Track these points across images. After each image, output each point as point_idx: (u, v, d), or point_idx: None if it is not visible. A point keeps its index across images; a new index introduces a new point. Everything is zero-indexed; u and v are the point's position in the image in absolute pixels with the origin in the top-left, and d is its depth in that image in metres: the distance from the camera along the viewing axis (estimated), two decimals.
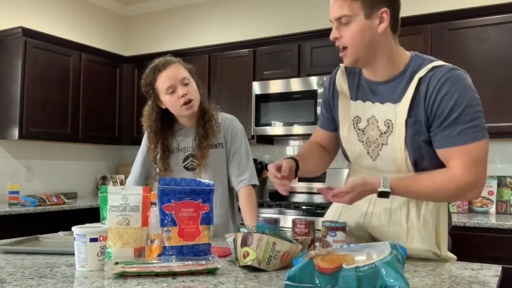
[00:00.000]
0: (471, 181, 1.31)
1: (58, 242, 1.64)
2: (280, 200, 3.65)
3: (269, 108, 3.71)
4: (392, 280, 0.89)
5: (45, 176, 4.21)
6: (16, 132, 3.62)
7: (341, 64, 1.56)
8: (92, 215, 3.55)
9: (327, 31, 1.43)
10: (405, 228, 1.42)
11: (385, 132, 1.41)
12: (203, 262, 1.22)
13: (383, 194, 1.33)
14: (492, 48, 3.00)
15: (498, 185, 3.16)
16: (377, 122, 1.43)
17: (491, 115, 2.91)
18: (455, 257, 1.44)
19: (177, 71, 1.90)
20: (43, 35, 3.82)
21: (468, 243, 2.63)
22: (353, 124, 1.50)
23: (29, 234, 2.01)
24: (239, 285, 1.09)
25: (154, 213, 1.42)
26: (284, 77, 3.69)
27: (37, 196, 3.53)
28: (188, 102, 1.88)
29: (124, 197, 1.40)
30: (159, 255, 1.36)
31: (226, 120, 2.03)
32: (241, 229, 1.34)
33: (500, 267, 1.31)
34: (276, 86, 3.68)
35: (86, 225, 1.30)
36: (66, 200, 3.80)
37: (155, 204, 1.41)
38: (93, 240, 1.20)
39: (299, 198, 3.83)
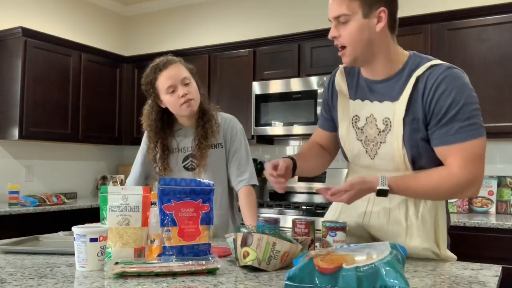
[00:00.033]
0: (469, 179, 1.32)
1: (58, 242, 1.64)
2: (280, 200, 3.65)
3: (269, 108, 3.71)
4: (392, 280, 0.89)
5: (45, 176, 4.21)
6: (16, 132, 3.63)
7: (340, 65, 1.58)
8: (92, 215, 3.55)
9: (327, 31, 1.44)
10: (404, 227, 1.42)
11: (383, 130, 1.42)
12: (203, 262, 1.22)
13: (381, 193, 1.33)
14: (492, 48, 3.00)
15: (498, 185, 3.16)
16: (376, 120, 1.44)
17: (491, 115, 2.92)
18: (455, 256, 1.45)
19: (178, 70, 1.90)
20: (43, 35, 3.82)
21: (468, 243, 2.63)
22: (352, 123, 1.51)
23: (29, 234, 2.01)
24: (239, 285, 1.09)
25: (154, 213, 1.42)
26: (284, 77, 3.69)
27: (37, 196, 3.53)
28: (188, 102, 1.88)
29: (124, 197, 1.40)
30: (159, 255, 1.36)
31: (225, 120, 2.03)
32: (241, 229, 1.34)
33: (500, 267, 1.31)
34: (276, 86, 3.68)
35: (86, 225, 1.30)
36: (66, 200, 3.80)
37: (155, 204, 1.41)
38: (93, 240, 1.20)
39: (299, 198, 3.83)
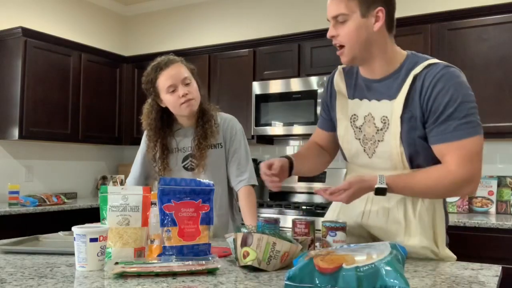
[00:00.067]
0: (467, 176, 1.33)
1: (58, 242, 1.64)
2: (280, 200, 3.65)
3: (269, 108, 3.71)
4: (392, 280, 0.89)
5: (45, 176, 4.21)
6: (16, 132, 3.63)
7: (339, 66, 1.60)
8: (92, 215, 3.55)
9: (327, 31, 1.45)
10: (403, 226, 1.43)
11: (381, 129, 1.43)
12: (203, 262, 1.22)
13: (380, 191, 1.34)
14: (492, 48, 3.00)
15: (498, 185, 3.16)
16: (374, 119, 1.45)
17: (491, 115, 2.92)
18: (454, 256, 1.45)
19: (179, 70, 1.90)
20: (43, 35, 3.82)
21: (468, 243, 2.63)
22: (351, 122, 1.52)
23: (29, 234, 2.01)
24: (239, 285, 1.09)
25: (154, 213, 1.42)
26: (284, 77, 3.69)
27: (37, 196, 3.53)
28: (187, 102, 1.88)
29: (124, 197, 1.40)
30: (159, 255, 1.36)
31: (225, 120, 2.03)
32: (241, 229, 1.34)
33: (500, 267, 1.31)
34: (276, 86, 3.68)
35: (86, 225, 1.30)
36: (66, 200, 3.80)
37: (155, 204, 1.41)
38: (93, 240, 1.20)
39: (299, 198, 3.83)
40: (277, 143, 4.12)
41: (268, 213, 3.34)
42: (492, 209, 3.13)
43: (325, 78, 3.39)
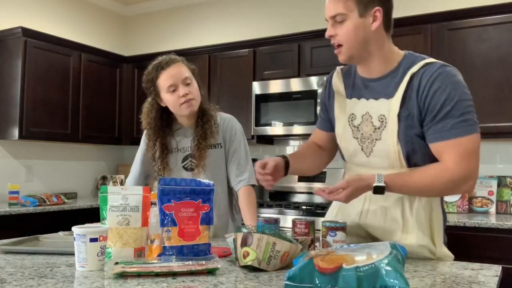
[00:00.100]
0: (464, 174, 1.34)
1: (58, 242, 1.64)
2: (280, 200, 3.66)
3: (269, 108, 3.71)
4: (392, 280, 0.89)
5: (45, 176, 4.21)
6: (16, 132, 3.63)
7: (337, 67, 1.62)
8: (92, 215, 3.55)
9: None
10: (401, 224, 1.44)
11: (378, 128, 1.44)
12: (203, 262, 1.22)
13: (378, 190, 1.35)
14: (492, 48, 3.00)
15: (498, 185, 3.16)
16: (371, 118, 1.46)
17: (491, 115, 2.92)
18: (452, 255, 1.46)
19: (180, 70, 1.90)
20: (43, 35, 3.82)
21: (468, 243, 2.63)
22: (349, 121, 1.53)
23: (29, 234, 2.01)
24: (239, 285, 1.09)
25: (154, 213, 1.42)
26: (284, 77, 3.69)
27: (37, 196, 3.53)
28: (188, 102, 1.88)
29: (124, 197, 1.40)
30: (159, 255, 1.36)
31: (225, 120, 2.03)
32: (241, 229, 1.34)
33: (500, 267, 1.31)
34: (276, 86, 3.68)
35: (86, 225, 1.30)
36: (66, 200, 3.80)
37: (155, 204, 1.41)
38: (93, 240, 1.20)
39: (299, 198, 3.83)
40: (277, 143, 4.12)
41: (268, 213, 3.34)
42: (492, 209, 3.13)
43: (325, 78, 3.38)
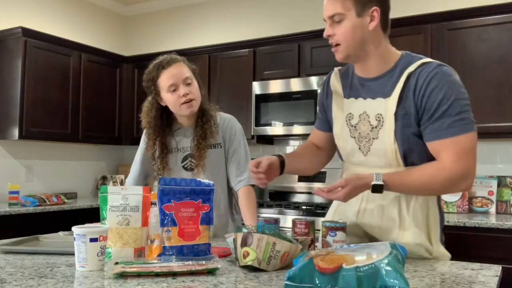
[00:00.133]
0: (462, 172, 1.35)
1: (58, 242, 1.64)
2: (280, 200, 3.66)
3: (269, 108, 3.71)
4: (392, 280, 0.89)
5: (45, 176, 4.21)
6: (16, 132, 3.63)
7: (335, 68, 1.64)
8: (92, 215, 3.55)
9: None
10: (397, 222, 1.44)
11: (376, 127, 1.45)
12: (203, 262, 1.22)
13: (376, 189, 1.35)
14: (492, 48, 3.00)
15: (498, 185, 3.16)
16: (369, 117, 1.47)
17: (491, 115, 2.92)
18: (448, 254, 1.46)
19: (181, 70, 1.91)
20: (43, 35, 3.82)
21: (468, 243, 2.63)
22: (346, 121, 1.54)
23: (29, 234, 2.01)
24: (239, 285, 1.09)
25: (154, 213, 1.42)
26: (284, 77, 3.69)
27: (37, 196, 3.53)
28: (188, 102, 1.88)
29: (124, 197, 1.40)
30: (159, 255, 1.36)
31: (224, 120, 2.03)
32: (241, 229, 1.34)
33: (500, 267, 1.31)
34: (276, 86, 3.68)
35: (86, 225, 1.30)
36: (66, 200, 3.80)
37: (155, 204, 1.41)
38: (93, 240, 1.20)
39: (299, 198, 3.83)
40: (277, 143, 4.12)
41: (268, 213, 3.34)
42: (492, 209, 3.13)
43: (325, 78, 3.39)
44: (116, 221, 1.38)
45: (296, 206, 3.35)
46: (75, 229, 1.21)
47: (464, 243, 2.63)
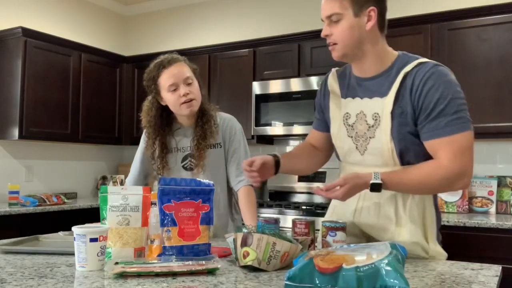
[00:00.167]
0: (459, 170, 1.36)
1: (58, 242, 1.64)
2: (280, 200, 3.66)
3: (269, 108, 3.71)
4: (392, 280, 0.89)
5: (45, 176, 4.21)
6: (16, 132, 3.62)
7: (332, 69, 1.66)
8: (92, 215, 3.55)
9: None
10: (394, 221, 1.45)
11: (372, 126, 1.46)
12: (203, 262, 1.22)
13: (375, 187, 1.36)
14: (492, 48, 3.00)
15: (498, 185, 3.15)
16: (366, 116, 1.48)
17: (491, 115, 2.92)
18: (445, 253, 1.47)
19: (182, 69, 1.91)
20: (43, 35, 3.82)
21: (468, 243, 2.63)
22: (343, 120, 1.55)
23: (29, 234, 2.01)
24: (239, 285, 1.09)
25: (154, 213, 1.42)
26: (284, 77, 3.69)
27: (37, 196, 3.53)
28: (188, 101, 1.88)
29: (124, 197, 1.40)
30: (159, 255, 1.36)
31: (224, 120, 2.03)
32: (241, 229, 1.34)
33: (500, 267, 1.31)
34: (276, 86, 3.68)
35: (86, 225, 1.30)
36: (66, 200, 3.80)
37: (155, 204, 1.41)
38: (93, 240, 1.20)
39: (299, 198, 3.83)
40: (277, 143, 4.12)
41: (268, 213, 3.33)
42: (492, 209, 3.13)
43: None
44: (116, 221, 1.38)
45: (296, 206, 3.35)
46: (75, 229, 1.21)
47: (464, 243, 2.63)
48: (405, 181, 1.39)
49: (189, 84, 1.90)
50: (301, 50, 3.68)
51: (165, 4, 4.83)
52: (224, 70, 4.03)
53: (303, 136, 3.76)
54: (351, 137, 1.52)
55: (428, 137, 1.38)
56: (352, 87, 1.54)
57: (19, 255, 1.42)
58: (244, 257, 1.21)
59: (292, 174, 3.55)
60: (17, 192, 3.52)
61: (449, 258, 1.47)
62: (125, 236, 1.38)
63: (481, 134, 2.94)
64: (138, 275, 1.14)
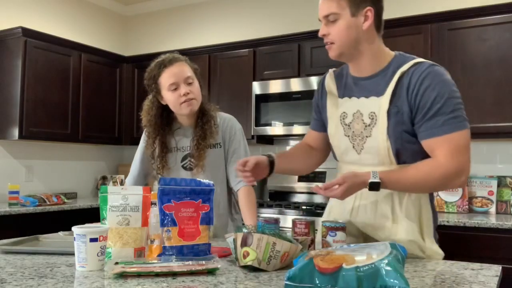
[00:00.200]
0: (456, 169, 1.37)
1: (58, 242, 1.64)
2: (280, 200, 3.66)
3: (269, 108, 3.71)
4: (392, 280, 0.89)
5: (45, 176, 4.21)
6: (16, 132, 3.62)
7: (330, 69, 1.67)
8: (92, 215, 3.55)
9: None
10: (391, 219, 1.46)
11: (369, 125, 1.47)
12: (203, 262, 1.22)
13: (374, 186, 1.36)
14: (492, 48, 3.00)
15: (498, 185, 3.15)
16: (362, 115, 1.49)
17: (491, 115, 2.92)
18: (442, 253, 1.47)
19: (182, 69, 1.91)
20: (43, 35, 3.82)
21: (468, 243, 2.63)
22: (340, 120, 1.56)
23: (29, 234, 2.01)
24: (239, 285, 1.09)
25: (154, 213, 1.42)
26: (284, 77, 3.69)
27: (37, 196, 3.53)
28: (188, 101, 1.88)
29: (124, 197, 1.40)
30: (159, 255, 1.36)
31: (224, 120, 2.03)
32: (241, 229, 1.34)
33: (500, 267, 1.31)
34: (276, 86, 3.68)
35: (86, 225, 1.30)
36: (66, 200, 3.80)
37: (155, 204, 1.41)
38: (93, 240, 1.20)
39: (299, 198, 3.83)
40: (277, 143, 4.12)
41: (268, 213, 3.33)
42: (492, 209, 3.13)
43: None
44: (116, 221, 1.38)
45: (296, 206, 3.35)
46: (75, 229, 1.21)
47: (464, 243, 2.63)
48: (403, 180, 1.40)
49: (189, 84, 1.90)
50: (301, 50, 3.68)
51: (165, 4, 4.83)
52: (224, 70, 4.03)
53: (303, 136, 3.71)
54: (348, 136, 1.54)
55: (425, 136, 1.39)
56: (349, 87, 1.55)
57: (19, 255, 1.42)
58: (244, 257, 1.21)
59: (288, 174, 3.55)
60: (17, 192, 3.52)
61: (449, 258, 1.47)
62: (125, 236, 1.38)
63: (481, 134, 2.94)
64: (138, 275, 1.14)
